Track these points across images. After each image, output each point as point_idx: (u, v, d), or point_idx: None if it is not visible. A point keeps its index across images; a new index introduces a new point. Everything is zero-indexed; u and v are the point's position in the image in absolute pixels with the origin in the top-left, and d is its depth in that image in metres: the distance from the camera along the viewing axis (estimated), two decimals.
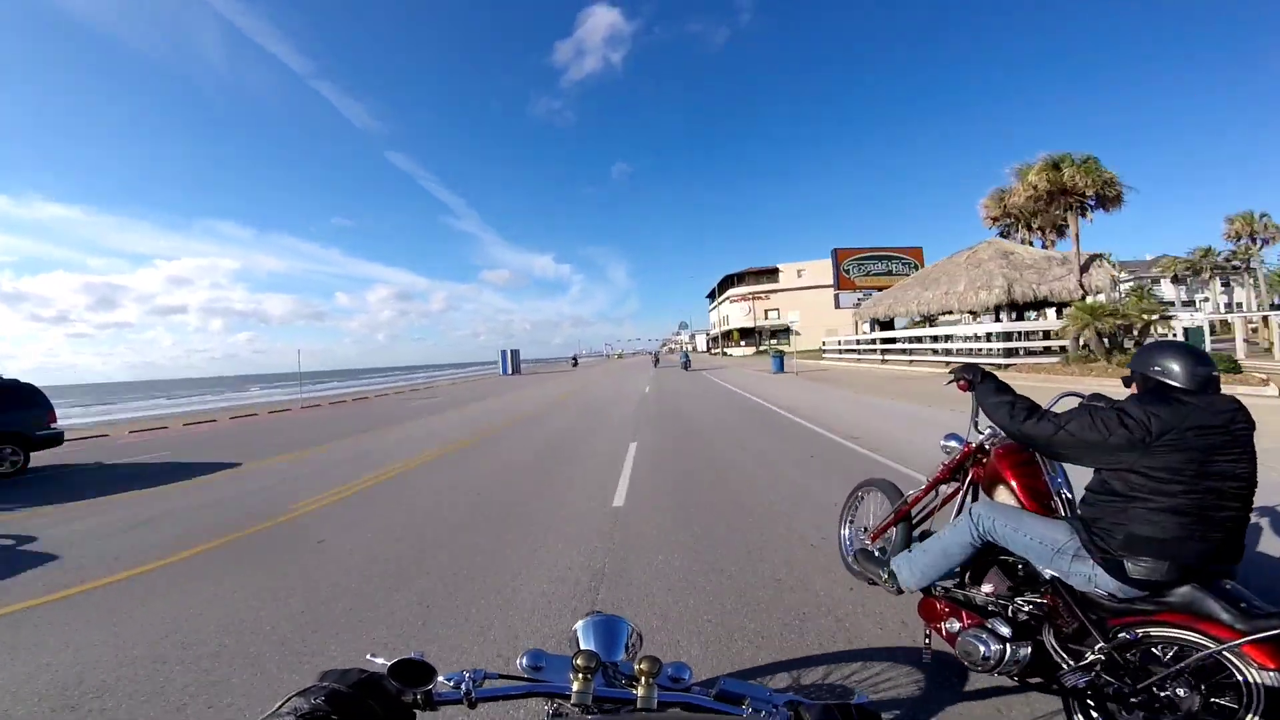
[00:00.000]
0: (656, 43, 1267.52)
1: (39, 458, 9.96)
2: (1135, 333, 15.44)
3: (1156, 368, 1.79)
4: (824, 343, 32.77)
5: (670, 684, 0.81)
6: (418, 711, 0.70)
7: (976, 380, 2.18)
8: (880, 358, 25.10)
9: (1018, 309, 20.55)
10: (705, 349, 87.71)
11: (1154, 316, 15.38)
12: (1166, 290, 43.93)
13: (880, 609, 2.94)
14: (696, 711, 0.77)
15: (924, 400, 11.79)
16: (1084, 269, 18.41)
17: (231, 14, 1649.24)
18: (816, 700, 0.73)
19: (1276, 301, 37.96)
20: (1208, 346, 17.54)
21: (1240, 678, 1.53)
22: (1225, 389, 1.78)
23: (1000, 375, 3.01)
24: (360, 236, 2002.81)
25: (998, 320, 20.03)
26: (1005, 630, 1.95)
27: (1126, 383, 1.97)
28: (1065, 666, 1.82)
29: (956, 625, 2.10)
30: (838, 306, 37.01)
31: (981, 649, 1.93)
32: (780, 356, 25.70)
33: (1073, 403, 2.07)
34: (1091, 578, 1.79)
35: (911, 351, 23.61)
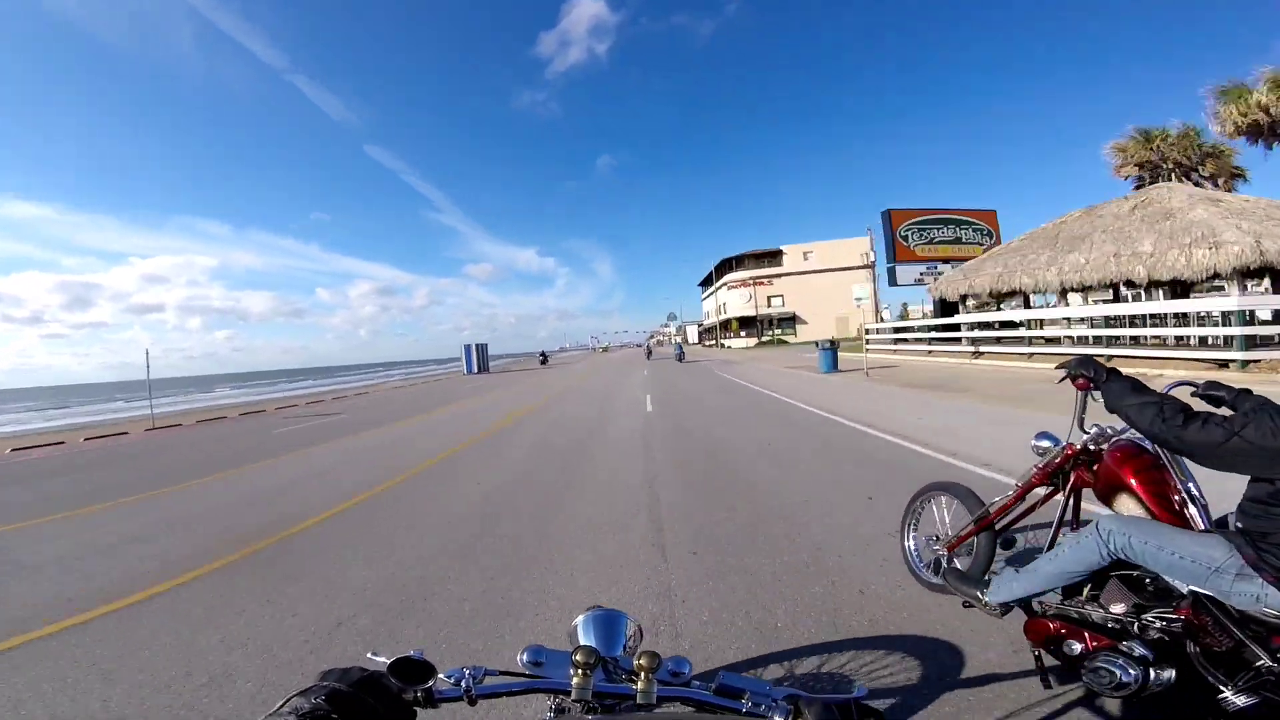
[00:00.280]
0: (643, 33, 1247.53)
1: None
2: None
3: None
4: (864, 330, 24.23)
5: (670, 679, 0.80)
6: (418, 709, 0.70)
7: (1101, 378, 1.88)
8: (973, 350, 17.88)
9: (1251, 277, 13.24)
10: (697, 340, 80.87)
11: None
12: None
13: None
14: (696, 707, 0.77)
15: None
16: None
17: (204, 8, 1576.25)
18: (815, 694, 0.72)
19: None
20: None
21: None
22: None
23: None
24: (339, 231, 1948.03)
25: (1245, 292, 12.65)
26: (1142, 651, 1.68)
27: None
28: (1223, 689, 1.54)
29: (1078, 647, 1.83)
30: (893, 283, 27.96)
31: (1118, 674, 1.65)
32: (832, 349, 18.34)
33: (1184, 392, 1.91)
34: (1261, 597, 1.53)
35: (1030, 340, 16.50)
